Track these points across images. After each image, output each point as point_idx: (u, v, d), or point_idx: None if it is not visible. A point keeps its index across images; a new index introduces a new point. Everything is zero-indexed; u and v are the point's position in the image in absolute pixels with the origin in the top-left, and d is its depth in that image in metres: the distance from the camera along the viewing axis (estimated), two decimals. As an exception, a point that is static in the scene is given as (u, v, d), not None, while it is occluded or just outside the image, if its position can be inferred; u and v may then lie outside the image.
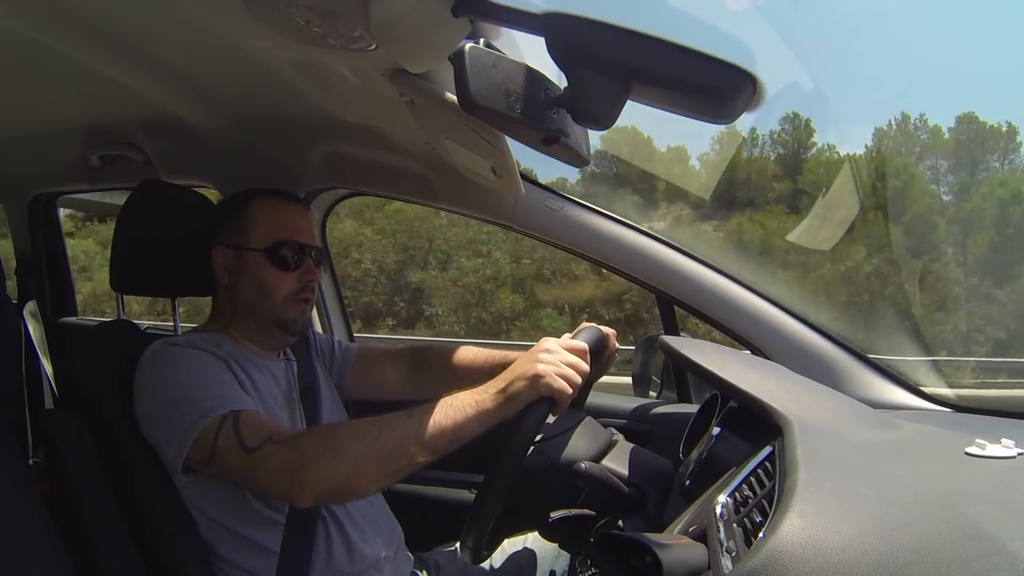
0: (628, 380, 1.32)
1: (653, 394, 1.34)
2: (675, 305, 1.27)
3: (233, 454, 0.82)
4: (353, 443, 0.80)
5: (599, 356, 1.00)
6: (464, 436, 0.80)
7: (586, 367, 0.83)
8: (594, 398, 1.10)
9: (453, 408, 0.81)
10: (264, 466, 0.81)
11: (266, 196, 1.05)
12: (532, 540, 1.11)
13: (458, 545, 0.86)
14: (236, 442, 0.82)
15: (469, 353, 1.16)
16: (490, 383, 0.82)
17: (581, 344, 0.85)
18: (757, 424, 0.74)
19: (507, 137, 0.89)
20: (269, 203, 1.04)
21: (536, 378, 0.79)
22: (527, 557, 1.09)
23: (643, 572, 0.60)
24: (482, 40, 0.72)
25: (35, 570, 0.77)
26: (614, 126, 0.64)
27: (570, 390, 0.79)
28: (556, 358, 0.81)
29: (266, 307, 1.00)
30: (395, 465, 0.80)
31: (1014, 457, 0.62)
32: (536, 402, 0.79)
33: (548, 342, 0.84)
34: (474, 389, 0.82)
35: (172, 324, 1.30)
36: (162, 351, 0.93)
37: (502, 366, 1.13)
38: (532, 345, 0.85)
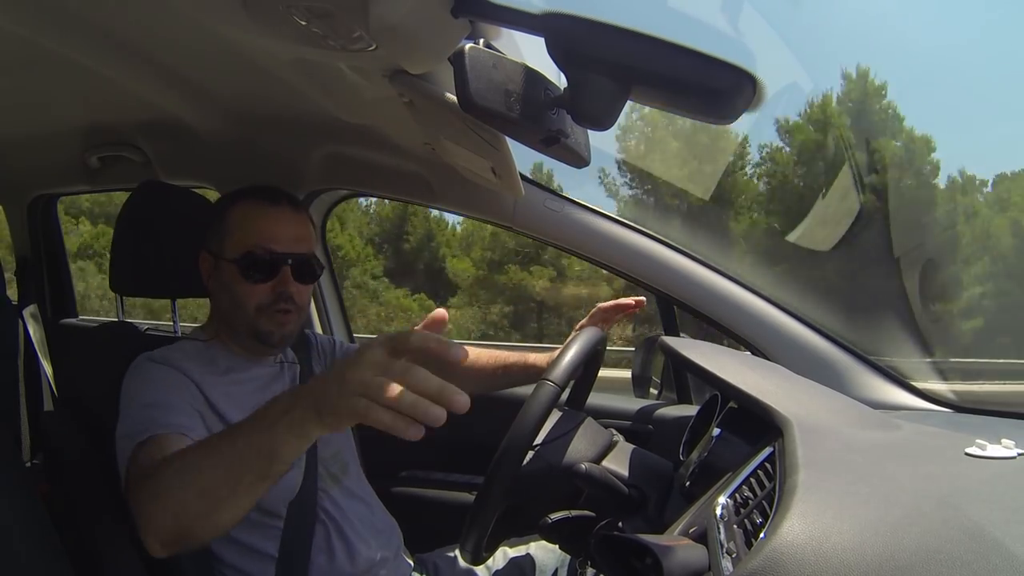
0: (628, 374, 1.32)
1: (654, 392, 1.34)
2: (675, 306, 1.27)
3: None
4: (178, 476, 0.68)
5: (598, 356, 1.00)
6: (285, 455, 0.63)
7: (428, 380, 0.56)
8: (594, 399, 1.09)
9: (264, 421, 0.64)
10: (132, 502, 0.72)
11: (247, 200, 0.99)
12: (533, 544, 1.11)
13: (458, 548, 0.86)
14: (125, 475, 0.78)
15: (471, 353, 1.15)
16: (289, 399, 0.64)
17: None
18: (757, 425, 0.74)
19: (507, 138, 0.89)
20: (248, 209, 0.98)
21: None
22: (527, 560, 1.09)
23: (643, 573, 0.59)
24: (482, 40, 0.72)
25: (34, 572, 0.77)
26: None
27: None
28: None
29: (238, 318, 0.97)
30: (222, 496, 0.65)
31: (1014, 457, 0.62)
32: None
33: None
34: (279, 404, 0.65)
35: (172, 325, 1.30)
36: (137, 366, 0.92)
37: (505, 367, 1.13)
38: (544, 346, 0.84)
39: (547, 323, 15.26)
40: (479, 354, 1.15)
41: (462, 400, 0.56)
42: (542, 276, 15.59)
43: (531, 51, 0.71)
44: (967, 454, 0.63)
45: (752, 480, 0.65)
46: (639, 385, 1.32)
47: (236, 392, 0.95)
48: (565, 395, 0.95)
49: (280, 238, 0.96)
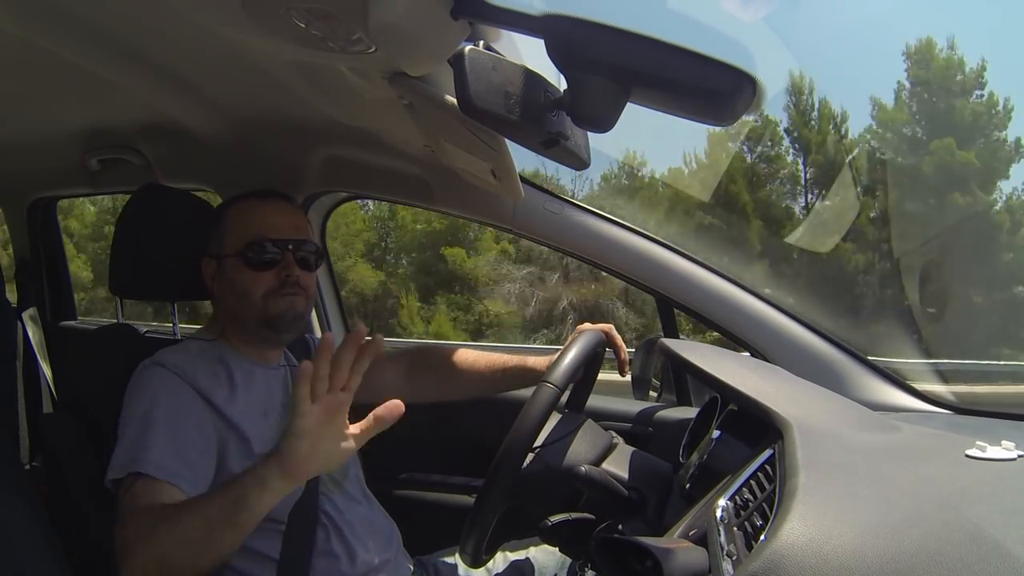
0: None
1: (654, 394, 1.34)
2: (675, 307, 1.27)
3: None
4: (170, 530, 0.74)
5: (598, 358, 1.00)
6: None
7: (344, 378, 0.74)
8: (594, 401, 1.09)
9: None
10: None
11: (241, 200, 1.03)
12: (533, 547, 1.10)
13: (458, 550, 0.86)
14: (119, 502, 0.81)
15: (470, 356, 1.15)
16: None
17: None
18: (757, 427, 0.74)
19: (507, 140, 0.89)
20: (242, 206, 1.02)
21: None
22: (527, 563, 1.09)
23: (643, 576, 0.59)
24: (481, 42, 0.72)
25: (33, 573, 0.76)
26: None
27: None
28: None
29: (247, 309, 0.97)
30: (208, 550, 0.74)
31: (1014, 459, 0.62)
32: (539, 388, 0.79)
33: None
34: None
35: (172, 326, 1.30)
36: (145, 371, 0.92)
37: (504, 370, 1.13)
38: (543, 348, 0.84)
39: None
40: (477, 357, 1.15)
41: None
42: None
43: (531, 53, 0.71)
44: (967, 456, 0.63)
45: (752, 482, 0.65)
46: (639, 387, 1.31)
47: (243, 399, 0.95)
48: (565, 397, 0.95)
49: (279, 226, 0.99)
